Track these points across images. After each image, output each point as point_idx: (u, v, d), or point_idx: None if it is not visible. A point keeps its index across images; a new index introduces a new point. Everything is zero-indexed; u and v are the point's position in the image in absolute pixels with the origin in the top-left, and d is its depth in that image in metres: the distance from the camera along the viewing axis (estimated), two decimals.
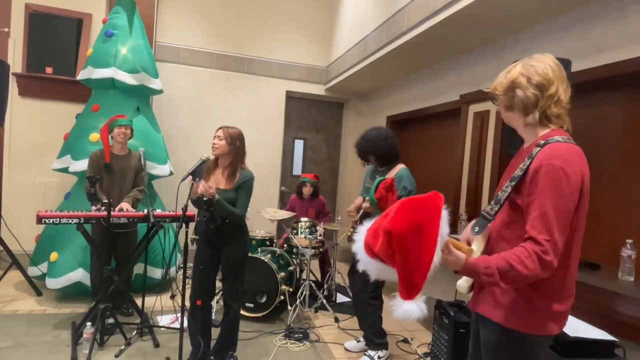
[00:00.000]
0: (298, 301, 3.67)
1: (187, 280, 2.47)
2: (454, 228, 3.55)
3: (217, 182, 2.51)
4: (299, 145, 6.07)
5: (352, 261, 3.11)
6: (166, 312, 3.42)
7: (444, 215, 1.17)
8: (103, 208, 2.81)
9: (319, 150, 6.17)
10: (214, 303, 3.37)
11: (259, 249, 3.83)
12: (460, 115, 3.74)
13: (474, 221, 1.39)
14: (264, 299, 3.47)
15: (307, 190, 4.41)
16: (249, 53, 5.50)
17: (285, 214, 4.01)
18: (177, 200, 2.53)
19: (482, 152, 3.46)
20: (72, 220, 2.73)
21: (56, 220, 2.69)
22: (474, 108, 3.58)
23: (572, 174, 1.18)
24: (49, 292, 3.68)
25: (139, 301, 3.13)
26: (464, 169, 3.67)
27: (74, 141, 3.82)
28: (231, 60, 5.44)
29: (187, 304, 2.50)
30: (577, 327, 1.91)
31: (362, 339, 3.11)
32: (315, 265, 4.72)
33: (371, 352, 2.91)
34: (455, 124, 3.93)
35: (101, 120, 3.80)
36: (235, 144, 2.50)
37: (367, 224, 1.28)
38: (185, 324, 2.46)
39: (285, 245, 4.09)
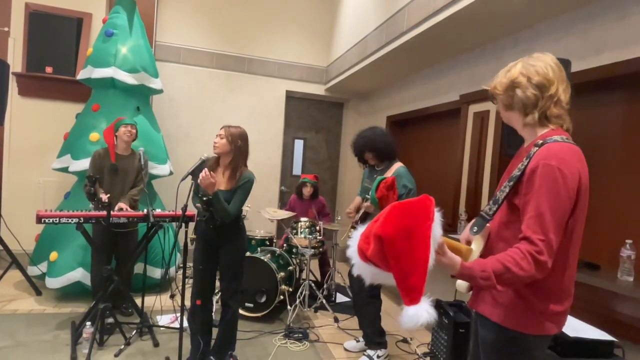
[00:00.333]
0: (298, 301, 3.67)
1: (186, 280, 2.47)
2: (454, 228, 3.55)
3: (218, 185, 2.50)
4: (298, 145, 6.07)
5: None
6: (166, 311, 3.42)
7: (436, 217, 1.16)
8: (101, 206, 2.81)
9: (318, 150, 6.17)
10: (213, 302, 3.38)
11: (259, 249, 3.83)
12: (460, 115, 3.74)
13: (472, 221, 1.39)
14: (263, 299, 3.47)
15: (307, 191, 4.41)
16: (249, 53, 5.50)
17: (284, 214, 4.01)
18: (177, 200, 2.53)
19: (482, 152, 3.46)
20: (72, 220, 2.73)
21: (56, 220, 2.69)
22: (473, 108, 3.58)
23: (569, 174, 1.17)
24: (49, 292, 3.68)
25: (138, 301, 3.13)
26: (464, 169, 3.67)
27: (74, 141, 3.82)
28: (231, 60, 5.44)
29: (187, 303, 2.50)
30: (576, 327, 1.91)
31: (361, 339, 3.11)
32: (315, 265, 4.72)
33: (370, 352, 2.92)
34: (455, 124, 3.93)
35: (101, 119, 3.80)
36: (237, 144, 2.47)
37: (361, 229, 1.28)
38: (185, 323, 2.46)
39: (285, 245, 4.09)
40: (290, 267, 3.78)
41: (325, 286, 4.24)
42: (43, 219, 2.67)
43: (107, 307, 2.80)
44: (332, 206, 5.99)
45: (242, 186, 2.49)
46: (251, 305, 3.49)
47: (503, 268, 1.13)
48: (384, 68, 4.44)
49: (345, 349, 3.14)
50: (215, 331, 2.68)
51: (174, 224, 3.73)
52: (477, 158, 3.49)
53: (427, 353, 3.07)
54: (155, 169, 4.02)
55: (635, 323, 1.97)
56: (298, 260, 4.06)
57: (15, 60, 4.30)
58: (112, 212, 2.84)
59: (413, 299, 1.13)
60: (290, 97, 5.85)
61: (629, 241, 2.17)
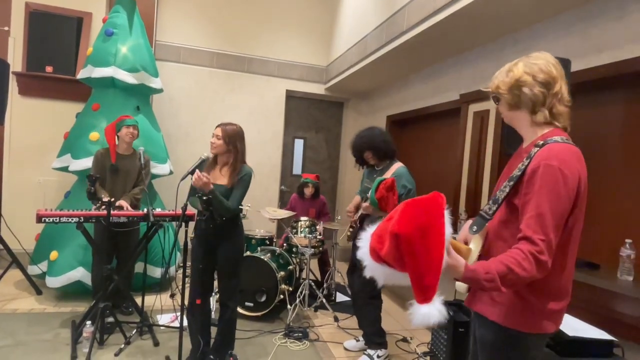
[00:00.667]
0: (297, 300, 3.67)
1: (186, 279, 2.47)
2: (454, 228, 3.55)
3: (215, 180, 2.50)
4: (298, 144, 6.07)
5: (352, 260, 3.11)
6: (166, 311, 3.43)
7: (447, 215, 1.16)
8: (103, 207, 2.82)
9: (318, 149, 6.17)
10: (213, 302, 3.38)
11: (259, 248, 3.84)
12: (460, 115, 3.74)
13: (470, 220, 1.39)
14: (263, 298, 3.47)
15: (308, 191, 4.41)
16: (249, 52, 5.50)
17: (284, 213, 4.01)
18: (177, 200, 2.53)
19: (481, 152, 3.46)
20: (72, 219, 2.73)
21: (56, 219, 2.70)
22: (473, 107, 3.58)
23: (570, 175, 1.18)
24: (49, 291, 3.68)
25: (138, 300, 3.13)
26: (464, 169, 3.67)
27: (74, 140, 3.82)
28: (231, 60, 5.44)
29: (187, 302, 2.50)
30: (576, 327, 1.91)
31: (361, 338, 3.12)
32: (315, 264, 4.72)
33: (370, 351, 2.92)
34: (455, 124, 3.93)
35: (101, 119, 3.80)
36: (233, 143, 2.46)
37: (370, 229, 1.26)
38: (185, 322, 2.46)
39: (285, 244, 4.09)
40: (290, 267, 3.78)
41: (325, 285, 4.24)
42: (43, 218, 2.68)
43: (107, 306, 2.80)
44: (332, 206, 5.99)
45: (241, 179, 2.48)
46: (251, 304, 3.49)
47: (506, 269, 1.13)
48: (384, 67, 4.44)
49: (345, 349, 3.14)
50: (214, 330, 2.68)
51: (174, 223, 3.73)
52: (477, 157, 3.49)
53: (427, 352, 3.08)
54: (155, 168, 4.02)
55: (635, 322, 1.97)
56: (298, 260, 4.06)
57: (16, 60, 4.30)
58: (112, 212, 2.84)
59: (426, 298, 1.11)
60: (291, 96, 5.85)
61: (628, 241, 2.17)
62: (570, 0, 2.56)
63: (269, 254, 3.65)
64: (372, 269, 1.23)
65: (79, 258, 3.50)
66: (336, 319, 3.67)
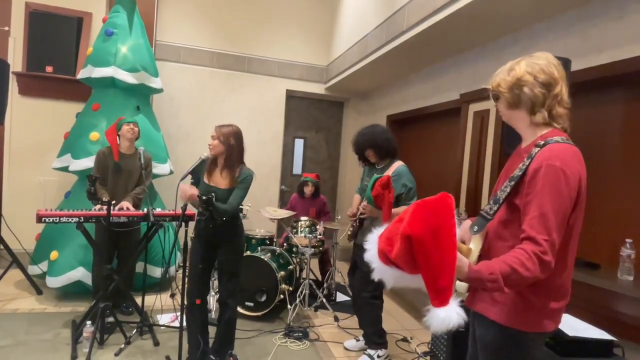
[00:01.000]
0: (298, 300, 3.67)
1: (186, 279, 2.47)
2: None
3: (216, 182, 2.50)
4: (299, 144, 6.07)
5: (352, 260, 3.11)
6: (166, 310, 3.43)
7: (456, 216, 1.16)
8: (103, 207, 2.82)
9: (319, 149, 6.17)
10: (212, 301, 3.38)
11: (259, 248, 3.83)
12: (461, 115, 3.73)
13: (468, 220, 1.39)
14: (263, 298, 3.47)
15: (309, 190, 4.41)
16: (249, 52, 5.50)
17: (285, 213, 4.01)
18: (177, 199, 2.53)
19: (482, 152, 3.45)
20: (72, 219, 2.73)
21: (56, 219, 2.70)
22: (474, 107, 3.58)
23: (571, 175, 1.18)
24: (49, 291, 3.68)
25: (138, 300, 3.13)
26: (464, 168, 3.66)
27: (74, 140, 3.82)
28: (231, 59, 5.43)
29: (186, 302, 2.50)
30: (576, 327, 1.91)
31: (361, 338, 3.12)
32: (315, 264, 4.72)
33: (371, 351, 2.92)
34: (455, 123, 3.93)
35: (101, 119, 3.81)
36: (229, 143, 2.45)
37: (377, 231, 1.25)
38: (185, 322, 2.46)
39: (285, 244, 4.09)
40: (291, 266, 3.78)
41: (325, 285, 4.24)
42: (43, 219, 2.68)
43: (107, 306, 2.80)
44: (332, 205, 5.99)
45: (242, 181, 2.48)
46: (251, 304, 3.49)
47: (510, 269, 1.12)
48: (384, 67, 4.44)
49: (346, 348, 3.14)
50: (213, 330, 2.68)
51: (174, 223, 3.73)
52: (477, 157, 3.49)
53: (427, 352, 3.07)
54: (156, 168, 4.01)
55: (635, 322, 1.97)
56: (298, 260, 4.06)
57: (16, 60, 4.30)
58: (112, 212, 2.84)
59: (442, 301, 1.10)
60: (291, 96, 5.85)
61: (629, 240, 2.17)
62: (570, 0, 2.56)
63: (269, 254, 3.65)
64: (381, 272, 1.22)
65: (79, 258, 3.50)
66: (336, 319, 3.67)
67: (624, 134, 2.49)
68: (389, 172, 2.83)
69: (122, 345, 2.82)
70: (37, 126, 4.41)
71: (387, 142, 2.88)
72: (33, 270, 3.76)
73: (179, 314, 2.50)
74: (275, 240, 4.10)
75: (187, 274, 2.47)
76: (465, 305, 1.42)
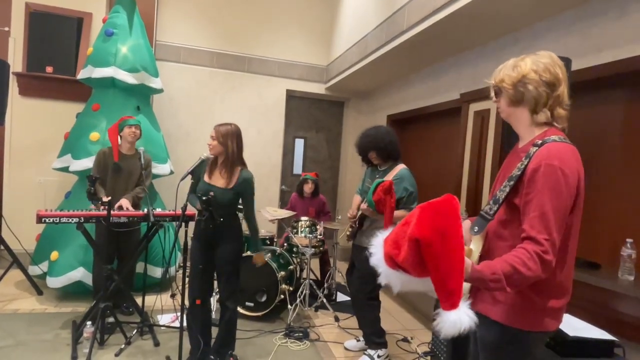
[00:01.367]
0: (298, 300, 3.67)
1: (187, 279, 2.47)
2: None
3: (215, 181, 2.50)
4: (299, 144, 6.07)
5: (351, 261, 3.11)
6: (166, 311, 3.43)
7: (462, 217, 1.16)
8: (103, 207, 2.82)
9: (319, 149, 6.17)
10: (213, 302, 3.38)
11: None
12: (461, 114, 3.73)
13: (468, 221, 1.39)
14: (264, 298, 3.47)
15: (308, 188, 4.41)
16: (249, 52, 5.50)
17: (285, 213, 4.01)
18: (177, 199, 2.53)
19: (482, 151, 3.45)
20: (72, 220, 2.73)
21: (56, 220, 2.70)
22: (474, 107, 3.58)
23: (570, 174, 1.18)
24: (50, 291, 3.69)
25: (139, 300, 3.13)
26: (464, 168, 3.66)
27: (74, 140, 3.82)
28: (231, 59, 5.43)
29: (187, 303, 2.50)
30: (576, 327, 1.91)
31: (362, 338, 3.11)
32: (315, 264, 4.72)
33: (371, 351, 2.91)
34: (455, 123, 3.93)
35: (101, 119, 3.81)
36: (226, 142, 2.45)
37: (382, 235, 1.24)
38: (185, 323, 2.46)
39: (285, 244, 4.09)
40: (291, 267, 3.78)
41: (325, 285, 4.24)
42: (43, 219, 2.68)
43: (107, 306, 2.80)
44: (332, 205, 5.99)
45: (247, 188, 2.51)
46: (251, 304, 3.49)
47: (512, 269, 1.12)
48: (384, 67, 4.44)
49: (346, 348, 3.14)
50: (214, 331, 2.68)
51: (174, 223, 3.73)
52: (478, 157, 3.48)
53: (427, 352, 3.07)
54: (156, 168, 4.01)
55: (636, 322, 1.97)
56: (298, 260, 4.06)
57: (16, 60, 4.30)
58: (112, 212, 2.84)
59: (453, 303, 1.09)
60: (291, 96, 5.85)
61: (629, 240, 2.16)
62: (570, 0, 2.55)
63: (269, 254, 3.65)
64: (388, 276, 1.20)
65: (79, 258, 3.50)
66: (337, 319, 3.67)
67: (624, 134, 2.49)
68: (391, 174, 2.82)
69: (123, 346, 2.82)
70: (37, 126, 4.41)
71: (391, 144, 2.87)
72: (33, 270, 3.76)
73: (179, 314, 2.50)
74: (275, 240, 4.10)
75: (187, 274, 2.47)
76: None
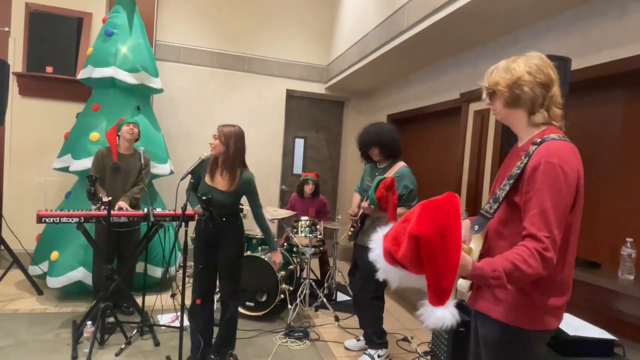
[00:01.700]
0: (298, 300, 3.67)
1: (187, 279, 2.47)
2: None
3: (216, 183, 2.50)
4: (299, 144, 6.06)
5: (353, 261, 3.11)
6: (166, 311, 3.43)
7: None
8: (103, 207, 2.82)
9: (319, 149, 6.17)
10: (214, 301, 3.38)
11: (259, 248, 3.83)
12: (461, 114, 3.73)
13: (467, 219, 1.39)
14: (264, 298, 3.47)
15: (309, 188, 4.41)
16: (249, 52, 5.49)
17: (285, 213, 4.01)
18: (177, 199, 2.53)
19: (482, 151, 3.45)
20: (72, 220, 2.73)
21: (56, 220, 2.70)
22: (474, 106, 3.58)
23: (570, 172, 1.19)
24: (50, 291, 3.69)
25: (139, 300, 3.14)
26: (464, 168, 3.66)
27: (75, 140, 3.82)
28: (231, 59, 5.43)
29: (188, 302, 2.50)
30: (576, 326, 1.91)
31: (362, 338, 3.11)
32: (315, 264, 4.72)
33: (371, 351, 2.91)
34: (455, 123, 3.93)
35: (101, 119, 3.81)
36: (229, 143, 2.45)
37: (382, 231, 1.24)
38: (186, 322, 2.46)
39: (285, 244, 4.09)
40: (291, 266, 3.78)
41: (325, 285, 4.24)
42: (43, 219, 2.68)
43: (107, 306, 2.80)
44: (332, 205, 5.98)
45: (250, 189, 2.54)
46: (252, 304, 3.49)
47: (512, 266, 1.13)
48: (384, 67, 4.44)
49: (346, 348, 3.14)
50: (216, 330, 2.68)
51: (174, 223, 3.73)
52: (478, 156, 3.48)
53: (427, 352, 3.07)
54: (156, 168, 4.02)
55: (636, 322, 1.97)
56: (298, 259, 4.06)
57: (16, 60, 4.30)
58: (112, 212, 2.84)
59: (441, 301, 1.12)
60: (291, 96, 5.85)
61: (629, 239, 2.16)
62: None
63: (269, 254, 3.65)
64: (386, 271, 1.21)
65: (79, 258, 3.50)
66: (337, 319, 3.67)
67: (624, 133, 2.49)
68: (392, 172, 2.82)
69: (123, 346, 2.82)
70: (37, 126, 4.41)
71: (394, 141, 2.86)
72: (34, 270, 3.76)
73: (179, 314, 2.50)
74: (275, 240, 4.10)
75: (187, 274, 2.47)
76: (467, 304, 1.42)
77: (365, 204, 2.77)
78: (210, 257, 2.56)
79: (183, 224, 2.44)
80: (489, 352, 1.36)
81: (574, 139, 1.28)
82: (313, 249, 3.92)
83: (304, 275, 4.00)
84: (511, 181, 1.26)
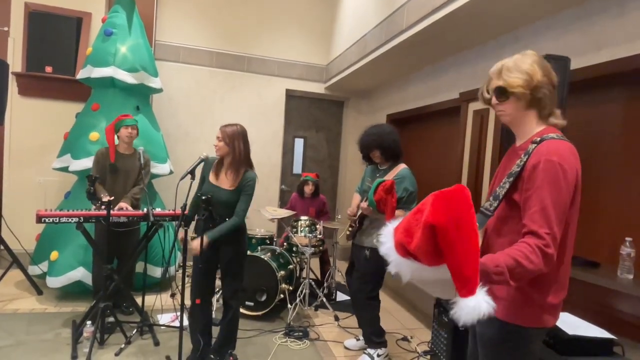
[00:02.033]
0: (298, 299, 3.67)
1: (187, 279, 2.47)
2: None
3: (220, 182, 2.50)
4: (299, 143, 6.06)
5: (350, 260, 3.11)
6: (166, 310, 3.43)
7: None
8: (103, 207, 2.82)
9: (319, 148, 6.17)
10: (214, 301, 3.38)
11: (259, 248, 3.84)
12: (460, 114, 3.73)
13: None
14: (263, 298, 3.47)
15: (309, 189, 4.41)
16: (248, 51, 5.49)
17: (285, 213, 4.01)
18: (177, 199, 2.53)
19: (481, 150, 3.45)
20: (72, 220, 2.73)
21: (56, 220, 2.70)
22: (473, 106, 3.58)
23: (569, 170, 1.20)
24: (50, 291, 3.69)
25: (139, 300, 3.14)
26: (464, 167, 3.66)
27: (74, 140, 3.82)
28: (231, 59, 5.43)
29: (187, 302, 2.50)
30: (575, 325, 1.91)
31: (361, 337, 3.11)
32: (315, 263, 4.72)
33: (371, 350, 2.92)
34: (455, 122, 3.93)
35: (101, 119, 3.81)
36: (233, 143, 2.45)
37: (392, 225, 1.22)
38: (186, 322, 2.46)
39: (285, 243, 4.09)
40: (291, 266, 3.78)
41: (325, 285, 4.24)
42: (43, 219, 2.68)
43: (107, 306, 2.80)
44: (332, 204, 5.99)
45: (246, 187, 2.49)
46: (251, 303, 3.49)
47: (514, 262, 1.13)
48: (384, 66, 4.44)
49: (346, 347, 3.14)
50: (215, 330, 2.68)
51: (174, 223, 3.73)
52: (477, 156, 3.48)
53: (427, 351, 3.07)
54: (155, 168, 4.02)
55: (635, 321, 1.97)
56: (298, 259, 4.06)
57: (15, 60, 4.30)
58: (112, 212, 2.84)
59: (470, 290, 1.08)
60: (290, 95, 5.85)
61: (628, 239, 2.16)
62: None
63: (269, 253, 3.65)
64: (398, 264, 1.18)
65: (79, 258, 3.50)
66: (336, 318, 3.67)
67: (624, 133, 2.49)
68: (392, 174, 2.82)
69: (123, 345, 2.82)
70: (37, 126, 4.41)
71: (394, 143, 2.86)
72: (33, 270, 3.76)
73: (179, 313, 2.50)
74: (275, 239, 4.10)
75: (187, 273, 2.46)
76: None
77: (364, 204, 2.77)
78: (210, 257, 2.56)
79: (183, 223, 2.44)
80: (487, 350, 1.37)
81: (573, 138, 1.29)
82: (313, 248, 3.92)
83: (304, 274, 4.00)
84: (511, 179, 1.27)
